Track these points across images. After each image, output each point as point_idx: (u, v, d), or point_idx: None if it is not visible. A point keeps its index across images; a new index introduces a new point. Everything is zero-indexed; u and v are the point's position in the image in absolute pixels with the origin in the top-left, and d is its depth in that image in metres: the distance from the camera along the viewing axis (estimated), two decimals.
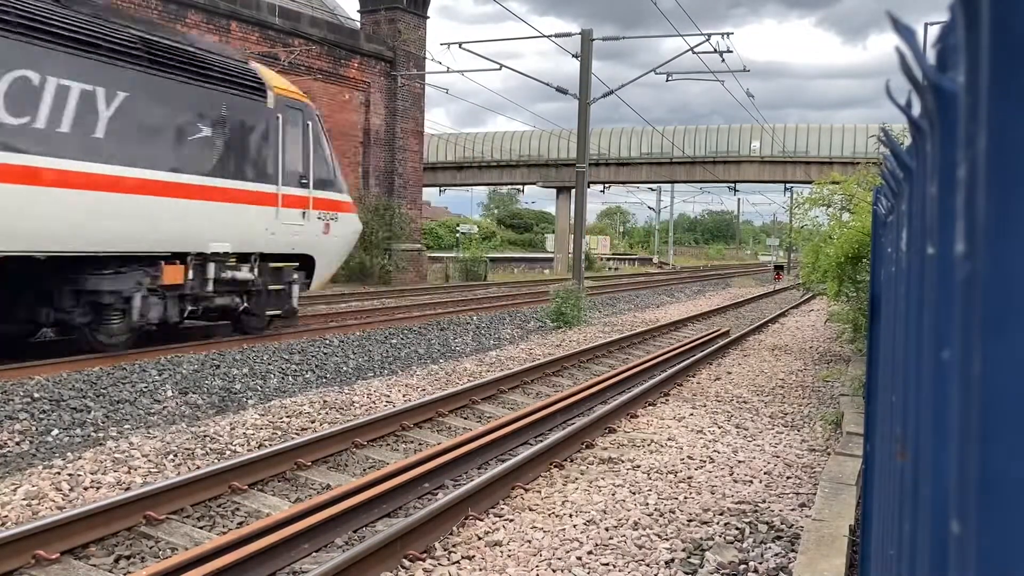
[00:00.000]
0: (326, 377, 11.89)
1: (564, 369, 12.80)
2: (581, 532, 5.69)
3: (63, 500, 6.11)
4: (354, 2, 57.32)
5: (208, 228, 12.12)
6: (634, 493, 6.58)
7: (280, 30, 28.20)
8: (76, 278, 11.01)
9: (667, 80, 23.94)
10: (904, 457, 1.59)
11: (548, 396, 10.60)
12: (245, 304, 13.26)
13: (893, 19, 1.03)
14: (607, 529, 5.76)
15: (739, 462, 7.62)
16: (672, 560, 5.26)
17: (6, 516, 5.75)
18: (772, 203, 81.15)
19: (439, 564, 5.16)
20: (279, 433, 8.31)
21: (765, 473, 7.29)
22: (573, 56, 22.52)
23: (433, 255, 42.27)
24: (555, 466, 7.29)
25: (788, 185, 53.73)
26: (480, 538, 5.56)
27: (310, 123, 14.15)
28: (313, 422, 8.80)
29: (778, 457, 7.84)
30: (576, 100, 22.56)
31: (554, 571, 5.08)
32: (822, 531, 4.92)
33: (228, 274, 12.61)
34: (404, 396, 10.32)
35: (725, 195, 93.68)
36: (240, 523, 5.93)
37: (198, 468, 6.93)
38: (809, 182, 27.44)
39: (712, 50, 21.76)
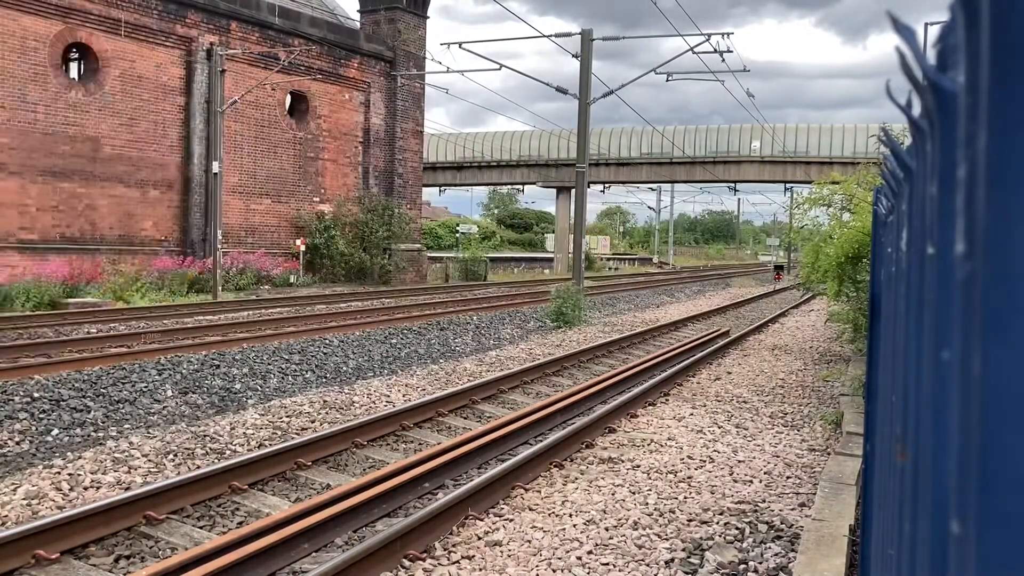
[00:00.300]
0: (326, 377, 11.89)
1: (564, 369, 12.80)
2: (581, 532, 5.69)
3: (63, 500, 6.11)
4: (354, 2, 57.35)
5: None
6: (634, 493, 6.58)
7: (280, 30, 28.20)
8: None
9: (667, 80, 23.94)
10: (904, 457, 1.59)
11: (548, 396, 10.60)
12: None
13: (893, 19, 1.03)
14: (607, 529, 5.76)
15: (739, 462, 7.62)
16: (672, 560, 5.26)
17: (6, 516, 5.75)
18: (772, 203, 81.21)
19: (439, 564, 5.16)
20: (279, 433, 8.31)
21: (765, 473, 7.29)
22: (573, 56, 22.52)
23: (433, 255, 42.28)
24: (555, 466, 7.29)
25: (788, 185, 53.71)
26: (480, 538, 5.56)
27: None
28: (313, 422, 8.80)
29: (778, 457, 7.84)
30: (576, 100, 22.56)
31: (554, 571, 5.08)
32: (822, 531, 4.92)
33: None
34: (404, 396, 10.32)
35: (725, 195, 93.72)
36: (240, 523, 5.93)
37: (198, 468, 6.93)
38: (809, 182, 27.45)
39: (712, 50, 21.75)
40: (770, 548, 5.45)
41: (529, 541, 5.51)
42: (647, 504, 6.32)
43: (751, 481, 7.04)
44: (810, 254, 13.55)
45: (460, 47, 24.08)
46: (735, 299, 29.64)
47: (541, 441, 7.80)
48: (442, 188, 59.86)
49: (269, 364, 11.83)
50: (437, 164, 56.04)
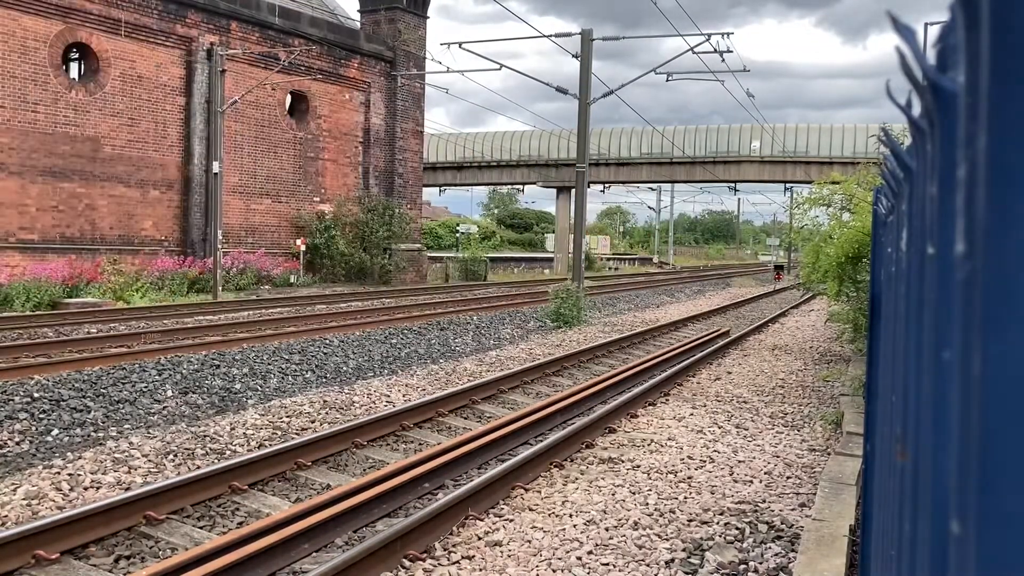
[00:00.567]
0: (326, 377, 11.89)
1: (564, 369, 12.80)
2: (581, 532, 5.69)
3: (63, 500, 6.11)
4: (354, 2, 57.34)
5: None
6: (634, 493, 6.58)
7: (280, 30, 28.20)
8: None
9: (667, 80, 23.93)
10: (904, 457, 1.59)
11: (548, 396, 10.60)
12: None
13: (893, 19, 1.03)
14: (607, 529, 5.76)
15: (739, 462, 7.62)
16: (672, 560, 5.26)
17: (6, 516, 5.75)
18: (772, 203, 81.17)
19: (439, 564, 5.16)
20: (279, 433, 8.31)
21: (765, 473, 7.28)
22: (573, 56, 22.52)
23: (433, 255, 42.27)
24: (555, 466, 7.29)
25: (788, 185, 53.70)
26: (480, 538, 5.56)
27: None
28: (313, 422, 8.80)
29: (778, 457, 7.84)
30: (576, 100, 22.56)
31: (554, 571, 5.08)
32: (822, 531, 4.92)
33: None
34: (404, 396, 10.32)
35: (725, 195, 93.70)
36: (240, 523, 5.93)
37: (198, 468, 6.93)
38: (809, 182, 27.45)
39: (712, 50, 21.75)
40: (770, 548, 5.45)
41: (529, 541, 5.51)
42: (647, 504, 6.32)
43: (751, 481, 7.04)
44: (810, 254, 13.54)
45: (460, 47, 24.08)
46: (735, 299, 29.64)
47: (541, 441, 7.80)
48: (442, 188, 59.86)
49: (269, 364, 11.83)
50: (437, 164, 56.04)
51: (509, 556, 5.28)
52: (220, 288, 22.72)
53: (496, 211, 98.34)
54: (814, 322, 21.55)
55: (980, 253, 0.62)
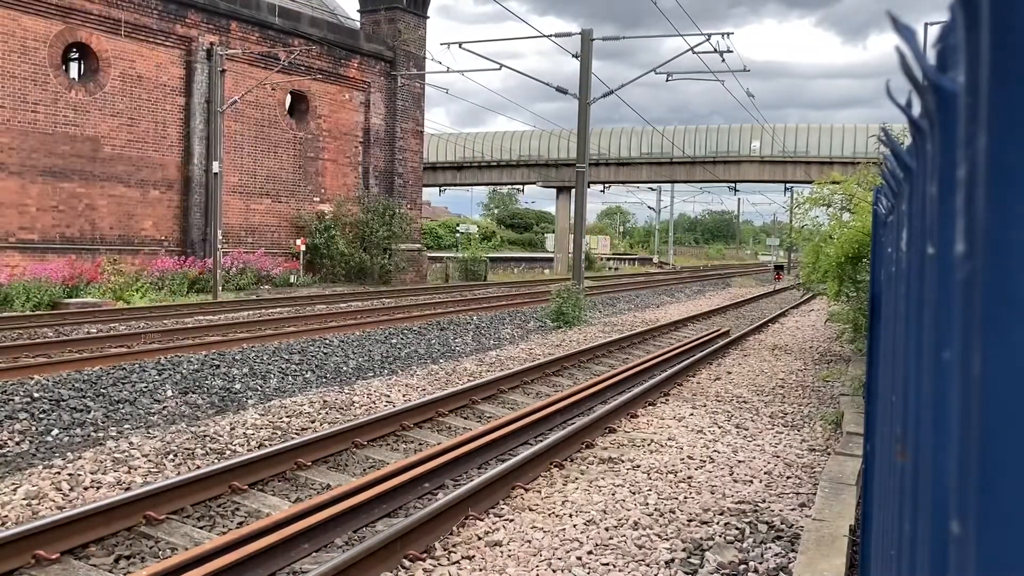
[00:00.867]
0: (326, 377, 11.89)
1: (564, 369, 12.80)
2: (581, 532, 5.69)
3: (63, 500, 6.11)
4: (354, 2, 57.33)
5: None
6: (634, 493, 6.58)
7: (280, 30, 28.20)
8: None
9: (667, 80, 23.94)
10: (904, 457, 1.59)
11: (548, 396, 10.60)
12: None
13: (893, 19, 1.03)
14: (607, 529, 5.76)
15: (739, 462, 7.62)
16: (672, 560, 5.26)
17: (6, 516, 5.75)
18: (772, 203, 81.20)
19: (439, 564, 5.16)
20: (279, 433, 8.31)
21: (765, 473, 7.28)
22: (573, 56, 22.52)
23: (433, 255, 42.27)
24: (555, 466, 7.29)
25: (788, 185, 53.70)
26: (480, 538, 5.56)
27: None
28: (313, 422, 8.80)
29: (778, 457, 7.84)
30: (576, 100, 22.56)
31: (554, 571, 5.08)
32: (822, 531, 4.92)
33: None
34: (404, 396, 10.32)
35: (725, 195, 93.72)
36: (240, 523, 5.93)
37: (198, 468, 6.93)
38: (809, 182, 27.45)
39: (712, 50, 21.75)
40: (770, 548, 5.45)
41: (529, 541, 5.51)
42: (647, 504, 6.32)
43: (751, 481, 7.04)
44: (810, 254, 13.54)
45: (460, 47, 24.08)
46: (735, 299, 29.64)
47: (541, 441, 7.80)
48: (442, 188, 59.86)
49: (269, 364, 11.83)
50: (437, 164, 56.04)
51: (509, 556, 5.28)
52: (220, 288, 22.73)
53: (496, 211, 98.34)
54: (814, 322, 21.55)
55: (980, 253, 0.62)
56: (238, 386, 10.65)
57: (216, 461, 7.21)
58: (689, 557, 5.33)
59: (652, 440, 8.33)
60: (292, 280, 27.56)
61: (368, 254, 30.40)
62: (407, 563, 5.14)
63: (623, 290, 30.97)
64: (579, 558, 5.26)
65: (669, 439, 8.41)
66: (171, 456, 7.28)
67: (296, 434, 8.24)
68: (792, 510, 6.27)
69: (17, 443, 7.74)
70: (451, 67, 30.80)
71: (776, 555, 5.34)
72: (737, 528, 5.82)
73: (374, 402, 9.95)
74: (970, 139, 0.65)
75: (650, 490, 6.67)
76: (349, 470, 7.37)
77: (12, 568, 4.89)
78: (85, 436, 8.22)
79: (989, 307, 0.61)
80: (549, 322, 19.20)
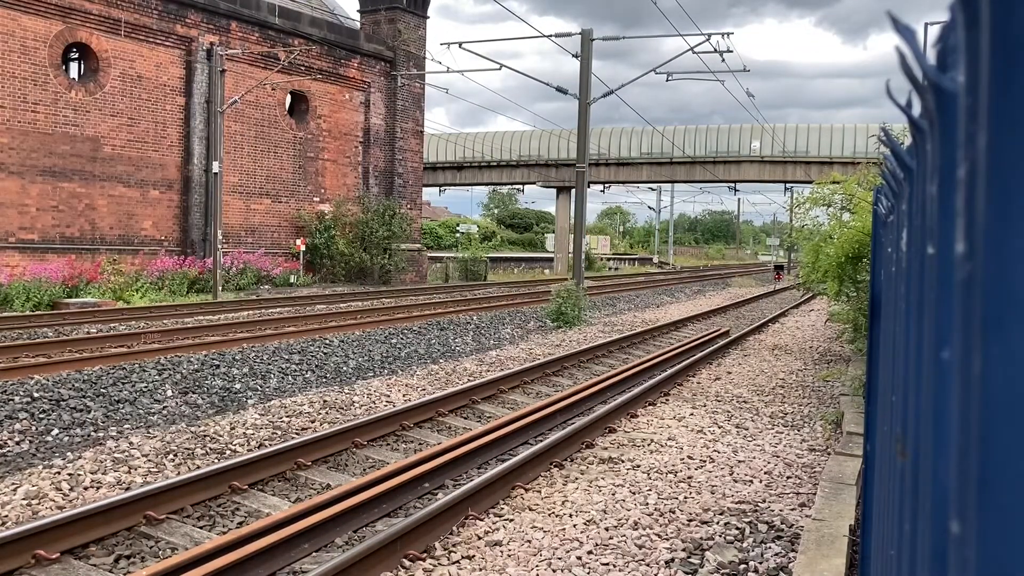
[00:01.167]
0: (326, 377, 11.89)
1: (564, 369, 12.80)
2: (581, 532, 5.69)
3: (63, 500, 6.11)
4: (354, 2, 57.33)
5: None
6: (634, 493, 6.58)
7: (280, 30, 28.20)
8: None
9: (667, 80, 23.93)
10: (904, 457, 1.59)
11: (548, 396, 10.60)
12: None
13: (893, 19, 1.03)
14: (607, 529, 5.76)
15: (739, 462, 7.62)
16: (672, 560, 5.26)
17: (6, 516, 5.75)
18: (772, 203, 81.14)
19: (439, 564, 5.16)
20: (279, 433, 8.31)
21: (765, 473, 7.29)
22: (573, 56, 22.52)
23: (433, 255, 42.26)
24: (555, 466, 7.29)
25: (788, 185, 53.68)
26: (480, 538, 5.56)
27: None
28: (313, 422, 8.80)
29: (778, 457, 7.84)
30: (576, 100, 22.56)
31: (554, 571, 5.08)
32: (822, 531, 4.92)
33: None
34: (404, 396, 10.32)
35: (725, 195, 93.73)
36: (240, 523, 5.93)
37: (198, 468, 6.93)
38: (809, 182, 27.44)
39: (712, 50, 21.74)
40: (770, 548, 5.45)
41: (529, 541, 5.51)
42: (647, 504, 6.32)
43: (751, 481, 7.04)
44: (810, 254, 13.53)
45: (460, 47, 24.08)
46: (735, 299, 29.64)
47: (541, 441, 7.80)
48: (442, 188, 59.83)
49: (269, 364, 11.83)
50: (437, 164, 56.03)
51: (509, 556, 5.28)
52: (220, 288, 22.72)
53: (496, 211, 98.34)
54: (814, 322, 21.55)
55: (980, 253, 0.62)
56: (238, 386, 10.65)
57: (216, 461, 7.21)
58: (689, 557, 5.33)
59: (652, 440, 8.33)
60: (292, 280, 27.56)
61: (368, 254, 30.40)
62: (407, 563, 5.14)
63: (623, 290, 30.97)
64: (579, 558, 5.26)
65: (669, 439, 8.41)
66: (171, 456, 7.28)
67: (296, 434, 8.24)
68: (792, 510, 6.27)
69: (17, 443, 7.74)
70: (451, 67, 30.79)
71: (776, 555, 5.34)
72: (737, 528, 5.82)
73: (374, 402, 9.95)
74: (970, 139, 0.65)
75: (650, 490, 6.67)
76: (349, 470, 7.37)
77: (12, 568, 4.89)
78: (85, 436, 8.22)
79: (989, 307, 0.61)
80: (549, 322, 19.20)
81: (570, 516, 6.00)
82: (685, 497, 6.53)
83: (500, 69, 24.25)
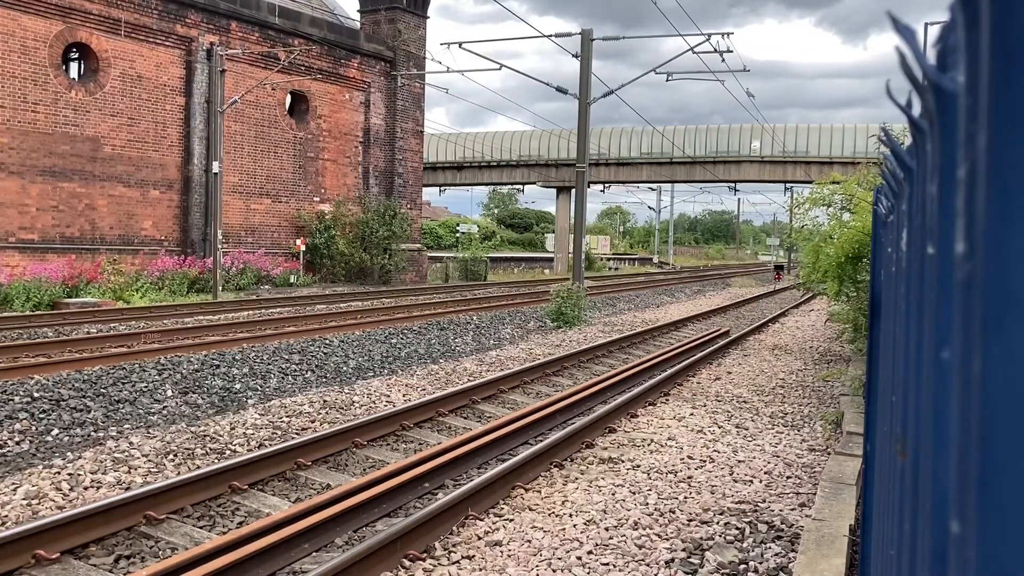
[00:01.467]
0: (326, 377, 11.89)
1: (564, 369, 12.80)
2: (581, 532, 5.69)
3: (63, 500, 6.11)
4: (354, 2, 57.34)
5: None
6: (634, 493, 6.58)
7: (280, 30, 28.19)
8: None
9: (667, 80, 23.93)
10: (904, 457, 1.59)
11: (548, 396, 10.60)
12: None
13: (893, 19, 1.03)
14: (607, 529, 5.76)
15: (739, 462, 7.62)
16: (672, 560, 5.26)
17: (6, 516, 5.75)
18: (772, 203, 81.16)
19: (439, 564, 5.16)
20: (279, 433, 8.31)
21: (765, 473, 7.29)
22: (573, 56, 22.52)
23: (433, 255, 42.26)
24: (555, 466, 7.29)
25: (788, 185, 53.69)
26: (480, 538, 5.56)
27: None
28: (313, 422, 8.80)
29: (778, 457, 7.84)
30: (576, 100, 22.56)
31: (554, 571, 5.08)
32: (822, 531, 4.92)
33: None
34: (404, 396, 10.32)
35: (725, 195, 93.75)
36: (240, 523, 5.93)
37: (198, 468, 6.93)
38: (809, 182, 27.44)
39: (712, 50, 21.74)
40: (770, 548, 5.45)
41: (529, 541, 5.51)
42: (647, 504, 6.32)
43: (751, 481, 7.04)
44: (810, 254, 13.53)
45: (460, 47, 24.07)
46: (735, 299, 29.64)
47: (541, 441, 7.80)
48: (442, 188, 59.84)
49: (269, 364, 11.83)
50: (437, 164, 56.04)
51: (509, 556, 5.28)
52: (220, 288, 22.72)
53: (496, 211, 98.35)
54: (814, 322, 21.55)
55: (980, 253, 0.62)
56: (238, 386, 10.65)
57: (216, 461, 7.21)
58: (689, 557, 5.33)
59: (652, 440, 8.33)
60: (292, 280, 27.56)
61: (368, 254, 30.40)
62: (407, 563, 5.14)
63: (623, 290, 30.97)
64: (579, 558, 5.26)
65: (669, 439, 8.41)
66: (171, 456, 7.28)
67: (296, 434, 8.24)
68: (792, 510, 6.27)
69: (17, 443, 7.74)
70: (451, 67, 30.79)
71: (776, 555, 5.34)
72: (737, 528, 5.82)
73: (374, 402, 9.95)
74: (970, 139, 0.65)
75: (650, 490, 6.67)
76: (349, 470, 7.37)
77: (12, 568, 4.89)
78: (85, 436, 8.22)
79: (989, 307, 0.61)
80: (549, 322, 19.20)
81: (570, 516, 6.00)
82: (685, 497, 6.53)
83: (500, 69, 24.25)
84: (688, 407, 10.09)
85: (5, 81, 21.22)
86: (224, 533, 5.60)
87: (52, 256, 21.93)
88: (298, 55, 27.47)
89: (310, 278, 28.84)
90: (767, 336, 18.36)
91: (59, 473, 6.62)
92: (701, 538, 5.63)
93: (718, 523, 5.92)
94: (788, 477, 7.20)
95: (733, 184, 56.08)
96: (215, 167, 23.56)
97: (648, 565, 5.19)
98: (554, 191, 56.17)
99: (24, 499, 6.05)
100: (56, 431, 8.19)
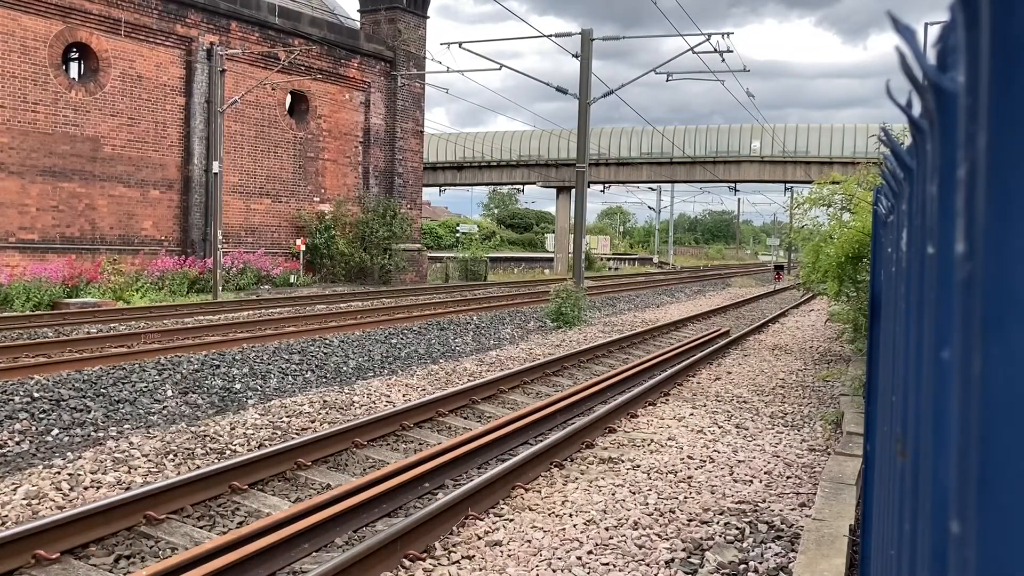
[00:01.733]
0: (326, 377, 11.89)
1: (564, 369, 12.80)
2: (581, 532, 5.69)
3: (63, 500, 6.11)
4: (354, 2, 57.35)
5: None
6: (634, 493, 6.58)
7: (280, 30, 28.19)
8: None
9: (667, 80, 23.93)
10: (904, 457, 1.59)
11: (548, 396, 10.60)
12: None
13: (893, 19, 1.03)
14: (607, 529, 5.76)
15: (739, 462, 7.62)
16: (672, 560, 5.26)
17: (6, 516, 5.75)
18: (772, 203, 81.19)
19: (439, 564, 5.16)
20: (279, 433, 8.31)
21: (765, 473, 7.29)
22: (573, 56, 22.52)
23: (433, 255, 42.26)
24: (555, 466, 7.29)
25: (788, 185, 53.69)
26: (480, 538, 5.56)
27: None
28: (313, 422, 8.80)
29: (778, 457, 7.84)
30: (576, 100, 22.56)
31: (554, 571, 5.08)
32: (822, 531, 4.92)
33: None
34: (404, 396, 10.32)
35: (725, 195, 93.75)
36: (240, 523, 5.93)
37: (198, 468, 6.93)
38: (809, 182, 27.43)
39: (712, 50, 21.75)
40: (770, 548, 5.45)
41: (529, 541, 5.51)
42: (647, 504, 6.32)
43: (751, 481, 7.04)
44: (810, 254, 13.53)
45: (460, 47, 24.08)
46: (735, 299, 29.64)
47: (541, 441, 7.80)
48: (442, 188, 59.84)
49: (269, 364, 11.83)
50: (437, 164, 56.04)
51: (509, 556, 5.28)
52: (220, 288, 22.72)
53: (496, 211, 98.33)
54: (814, 322, 21.55)
55: (980, 253, 0.62)
56: (238, 386, 10.65)
57: (216, 461, 7.21)
58: (689, 557, 5.33)
59: (652, 440, 8.33)
60: (292, 280, 27.56)
61: (368, 254, 30.40)
62: (407, 563, 5.14)
63: (623, 290, 30.97)
64: (579, 558, 5.26)
65: (669, 439, 8.41)
66: (171, 456, 7.28)
67: (296, 434, 8.24)
68: (792, 510, 6.27)
69: (17, 443, 7.74)
70: (451, 67, 30.79)
71: (776, 555, 5.34)
72: (737, 528, 5.82)
73: (374, 402, 9.95)
74: (970, 139, 0.65)
75: (650, 490, 6.67)
76: (349, 470, 7.37)
77: (12, 568, 4.89)
78: (85, 436, 8.22)
79: (989, 307, 0.61)
80: (549, 322, 19.20)
81: (570, 516, 6.00)
82: (685, 497, 6.53)
83: (500, 69, 24.26)
84: (688, 407, 10.09)
85: (5, 81, 21.22)
86: (224, 533, 5.60)
87: (52, 256, 21.93)
88: (298, 55, 27.47)
89: (310, 278, 28.84)
90: (767, 336, 18.36)
91: (59, 473, 6.62)
92: (701, 538, 5.63)
93: (718, 523, 5.92)
94: (788, 477, 7.20)
95: (733, 184, 56.09)
96: (215, 167, 23.56)
97: (648, 565, 5.19)
98: (554, 191, 56.17)
99: (24, 499, 6.05)
100: (56, 431, 8.19)
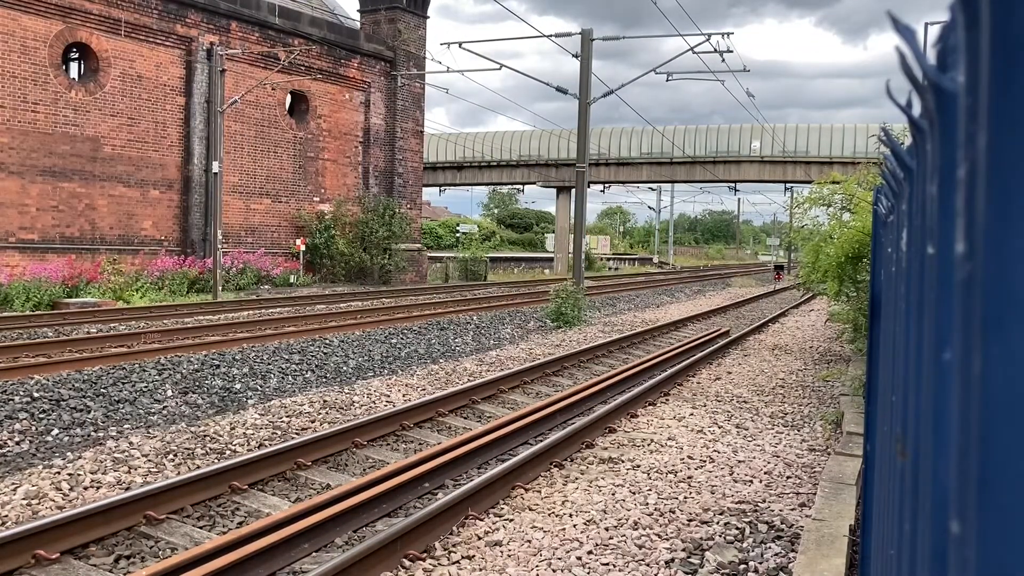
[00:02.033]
0: (326, 377, 11.89)
1: (564, 369, 12.80)
2: (581, 532, 5.69)
3: (63, 500, 6.11)
4: (354, 2, 57.36)
5: None
6: (634, 493, 6.58)
7: (280, 30, 28.19)
8: None
9: (667, 80, 23.93)
10: (904, 457, 1.59)
11: (548, 396, 10.60)
12: None
13: (893, 19, 1.03)
14: (607, 529, 5.76)
15: (739, 462, 7.62)
16: (672, 560, 5.26)
17: (6, 516, 5.75)
18: (772, 203, 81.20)
19: (439, 564, 5.16)
20: (279, 433, 8.31)
21: (765, 473, 7.28)
22: (573, 56, 22.52)
23: (433, 255, 42.26)
24: (555, 466, 7.29)
25: (788, 185, 53.70)
26: (480, 538, 5.56)
27: None
28: (313, 422, 8.80)
29: (778, 457, 7.84)
30: (576, 100, 22.56)
31: (554, 571, 5.08)
32: (822, 531, 4.92)
33: None
34: (404, 396, 10.32)
35: (725, 195, 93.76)
36: (240, 523, 5.93)
37: (198, 468, 6.93)
38: (809, 182, 27.43)
39: (712, 50, 21.74)
40: (770, 548, 5.45)
41: (529, 541, 5.51)
42: (647, 504, 6.32)
43: (751, 481, 7.04)
44: (810, 254, 13.53)
45: (460, 47, 24.07)
46: (735, 299, 29.64)
47: (541, 441, 7.80)
48: (442, 188, 59.83)
49: (269, 364, 11.83)
50: (437, 164, 56.04)
51: (509, 556, 5.28)
52: (220, 288, 22.72)
53: (496, 211, 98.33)
54: (814, 322, 21.55)
55: (980, 253, 0.62)
56: (238, 386, 10.65)
57: (216, 461, 7.21)
58: (689, 557, 5.33)
59: (652, 440, 8.33)
60: (292, 280, 27.56)
61: (368, 254, 30.40)
62: (407, 563, 5.14)
63: (623, 290, 30.96)
64: (579, 558, 5.26)
65: (669, 439, 8.41)
66: (171, 456, 7.28)
67: (296, 434, 8.24)
68: (792, 510, 6.27)
69: (17, 443, 7.74)
70: (451, 67, 30.79)
71: (776, 555, 5.34)
72: (737, 528, 5.82)
73: (374, 402, 9.95)
74: (970, 139, 0.65)
75: (650, 490, 6.67)
76: (349, 470, 7.37)
77: (12, 568, 4.89)
78: (85, 436, 8.22)
79: (989, 307, 0.61)
80: (549, 322, 19.20)
81: (570, 516, 6.00)
82: (685, 497, 6.53)
83: (500, 69, 24.25)
84: (688, 407, 10.09)
85: (5, 81, 21.22)
86: (224, 533, 5.60)
87: (52, 256, 21.93)
88: (298, 55, 27.47)
89: (310, 278, 28.84)
90: (767, 336, 18.36)
91: (59, 473, 6.62)
92: (701, 538, 5.63)
93: (718, 523, 5.92)
94: (788, 477, 7.20)
95: (733, 184, 56.09)
96: (215, 167, 23.56)
97: (648, 565, 5.19)
98: (554, 191, 56.16)
99: (24, 499, 6.05)
100: (56, 431, 8.19)
